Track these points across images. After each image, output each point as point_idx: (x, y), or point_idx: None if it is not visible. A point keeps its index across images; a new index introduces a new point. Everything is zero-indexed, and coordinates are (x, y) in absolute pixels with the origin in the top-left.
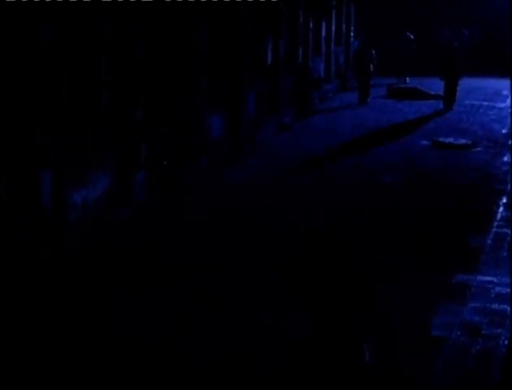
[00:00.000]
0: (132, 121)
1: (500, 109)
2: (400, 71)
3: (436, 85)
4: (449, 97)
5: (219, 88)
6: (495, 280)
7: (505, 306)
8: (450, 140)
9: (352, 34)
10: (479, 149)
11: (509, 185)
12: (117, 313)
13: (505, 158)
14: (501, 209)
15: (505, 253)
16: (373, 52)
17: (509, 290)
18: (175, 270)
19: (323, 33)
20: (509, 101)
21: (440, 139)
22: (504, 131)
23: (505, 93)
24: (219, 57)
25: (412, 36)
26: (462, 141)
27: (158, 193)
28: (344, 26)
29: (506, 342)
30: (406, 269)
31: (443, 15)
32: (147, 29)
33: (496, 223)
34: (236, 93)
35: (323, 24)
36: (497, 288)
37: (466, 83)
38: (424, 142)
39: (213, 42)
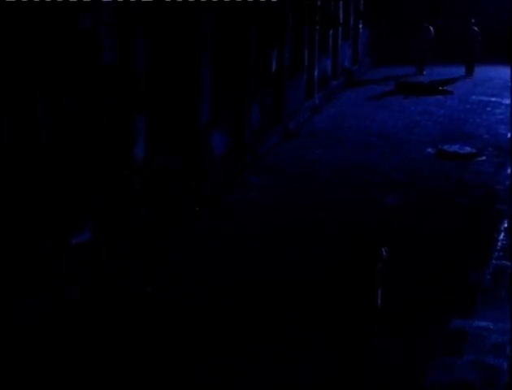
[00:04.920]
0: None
1: (506, 106)
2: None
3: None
4: (470, 68)
5: (222, 103)
6: (491, 326)
7: (501, 360)
8: (455, 148)
9: (360, 25)
10: (483, 158)
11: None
12: None
13: (509, 171)
14: (502, 235)
15: (503, 292)
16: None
17: (505, 338)
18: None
19: (330, 32)
20: None
21: (445, 147)
22: (509, 134)
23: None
24: (222, 67)
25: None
26: (467, 150)
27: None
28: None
29: None
30: (402, 311)
31: (453, 8)
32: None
33: (495, 254)
34: (239, 107)
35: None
36: (493, 337)
37: (476, 73)
38: (429, 150)
39: (216, 52)
